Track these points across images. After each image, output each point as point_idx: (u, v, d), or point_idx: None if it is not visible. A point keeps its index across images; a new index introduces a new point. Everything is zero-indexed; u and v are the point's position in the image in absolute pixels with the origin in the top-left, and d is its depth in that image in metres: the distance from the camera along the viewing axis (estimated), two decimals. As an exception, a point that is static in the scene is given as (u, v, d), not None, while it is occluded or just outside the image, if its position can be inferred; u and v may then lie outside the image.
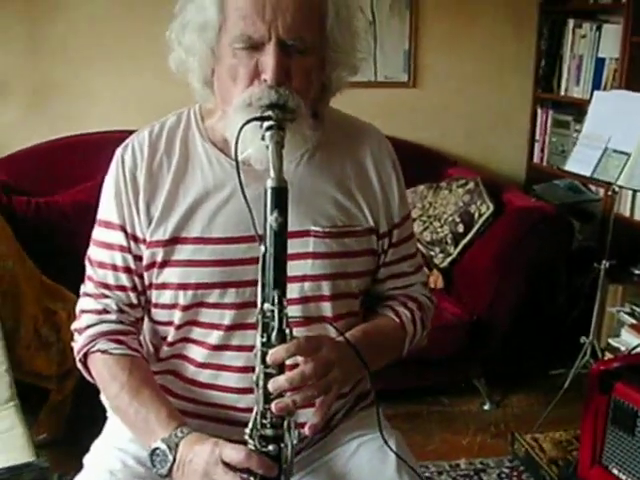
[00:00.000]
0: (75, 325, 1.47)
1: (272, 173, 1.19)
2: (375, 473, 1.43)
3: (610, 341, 3.24)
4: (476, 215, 3.40)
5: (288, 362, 1.22)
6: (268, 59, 1.24)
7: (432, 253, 3.45)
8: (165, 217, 1.39)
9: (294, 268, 1.35)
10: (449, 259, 3.42)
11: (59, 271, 2.92)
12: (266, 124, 1.22)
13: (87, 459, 1.52)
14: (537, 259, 3.25)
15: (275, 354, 1.18)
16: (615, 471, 2.10)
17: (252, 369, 1.23)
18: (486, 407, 3.38)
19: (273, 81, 1.24)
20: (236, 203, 1.34)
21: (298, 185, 1.38)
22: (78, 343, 1.44)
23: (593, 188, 3.88)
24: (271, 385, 1.18)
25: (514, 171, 4.22)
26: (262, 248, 1.19)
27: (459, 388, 3.44)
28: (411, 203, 3.55)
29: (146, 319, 1.51)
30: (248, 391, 1.33)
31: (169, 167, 1.41)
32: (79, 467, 1.49)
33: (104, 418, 1.59)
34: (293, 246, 1.33)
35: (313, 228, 1.39)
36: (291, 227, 1.30)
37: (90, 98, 3.60)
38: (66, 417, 2.90)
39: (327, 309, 1.43)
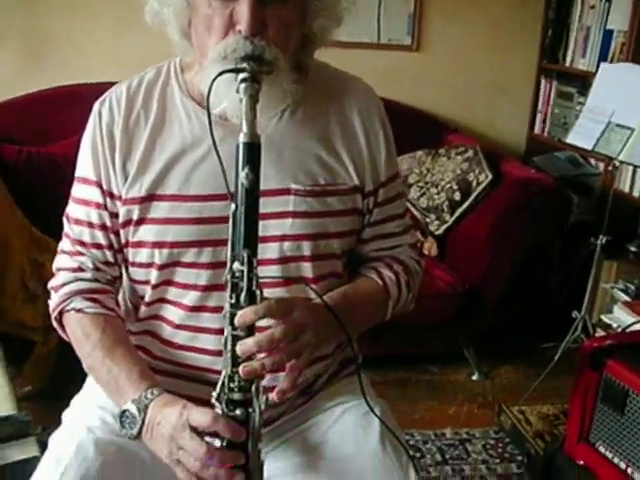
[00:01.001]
0: (51, 283, 1.44)
1: (244, 127, 1.14)
2: (358, 441, 1.40)
3: (602, 317, 3.21)
4: (474, 183, 3.36)
5: (263, 324, 1.18)
6: (243, 8, 1.18)
7: (428, 220, 3.41)
8: (141, 173, 1.35)
9: (273, 227, 1.33)
10: (444, 226, 3.39)
11: (49, 223, 2.85)
12: (240, 76, 1.17)
13: (66, 415, 1.49)
14: (534, 231, 3.22)
15: (243, 316, 1.14)
16: (602, 449, 2.08)
17: None
18: (474, 377, 3.37)
19: (248, 31, 1.19)
20: (214, 159, 1.29)
21: (279, 141, 1.35)
22: (53, 301, 1.42)
23: (593, 162, 3.85)
24: (239, 348, 1.15)
25: (514, 141, 4.17)
26: (233, 206, 1.15)
27: (448, 357, 3.42)
28: (409, 168, 3.52)
29: (125, 278, 1.48)
30: None
31: (146, 122, 1.37)
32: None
33: (85, 374, 1.55)
34: (272, 204, 1.30)
35: (293, 186, 1.35)
36: (270, 185, 1.27)
37: (85, 51, 3.54)
38: (51, 370, 2.89)
39: (307, 270, 1.39)
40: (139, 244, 1.37)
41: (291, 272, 1.37)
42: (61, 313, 1.41)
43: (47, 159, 3.08)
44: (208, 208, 1.33)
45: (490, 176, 3.34)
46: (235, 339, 1.15)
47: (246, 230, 1.14)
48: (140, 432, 1.24)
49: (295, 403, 1.46)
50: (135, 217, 1.35)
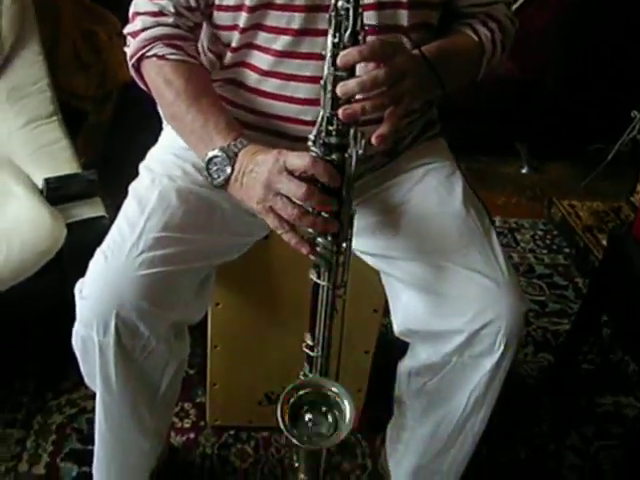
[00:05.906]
0: (129, 28, 1.37)
1: None
2: (440, 202, 1.40)
3: (662, 115, 3.12)
4: (540, -32, 3.17)
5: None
6: None
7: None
8: None
9: None
10: (506, 12, 3.23)
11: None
12: None
13: (143, 165, 1.48)
14: (600, 23, 3.09)
15: (347, 55, 1.08)
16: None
17: (321, 79, 1.13)
18: (524, 171, 3.36)
19: None
20: None
21: None
22: (132, 47, 1.35)
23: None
24: (340, 89, 1.09)
25: None
26: None
27: (498, 149, 3.38)
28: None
29: (205, 26, 1.41)
30: (315, 102, 1.25)
31: None
32: (117, 194, 1.46)
33: (142, 146, 1.53)
34: None
35: None
36: None
37: None
38: (104, 143, 2.88)
39: (403, 17, 1.31)
40: None
41: (387, 19, 1.29)
42: (140, 60, 1.35)
43: None
44: None
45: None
46: (336, 80, 1.10)
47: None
48: (228, 181, 1.23)
49: (380, 162, 1.45)
50: None
